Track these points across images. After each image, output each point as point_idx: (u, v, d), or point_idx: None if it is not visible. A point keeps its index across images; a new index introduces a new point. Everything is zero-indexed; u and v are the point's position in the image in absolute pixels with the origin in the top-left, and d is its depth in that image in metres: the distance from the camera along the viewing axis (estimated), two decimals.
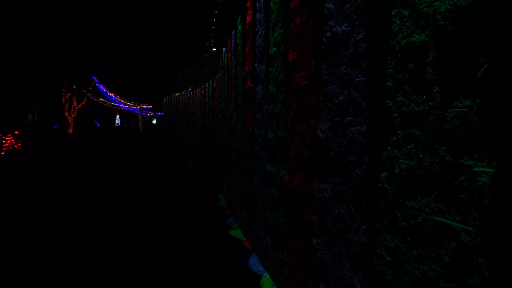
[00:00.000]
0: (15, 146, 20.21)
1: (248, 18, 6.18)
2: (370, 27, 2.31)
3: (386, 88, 2.13)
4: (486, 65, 1.43)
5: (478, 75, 1.47)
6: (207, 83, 16.16)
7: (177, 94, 23.90)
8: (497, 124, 1.38)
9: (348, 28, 2.57)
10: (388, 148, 2.10)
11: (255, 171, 5.73)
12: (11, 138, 20.02)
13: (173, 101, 25.66)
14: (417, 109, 1.85)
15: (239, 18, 7.32)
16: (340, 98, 2.69)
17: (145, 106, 39.88)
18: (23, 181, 12.96)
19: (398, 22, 2.02)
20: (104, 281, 4.52)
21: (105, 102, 36.87)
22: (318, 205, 3.09)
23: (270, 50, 4.74)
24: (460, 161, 1.56)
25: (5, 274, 4.74)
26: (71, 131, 32.49)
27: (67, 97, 32.86)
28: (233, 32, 8.25)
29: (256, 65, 5.65)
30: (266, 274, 4.80)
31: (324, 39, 2.97)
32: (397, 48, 2.03)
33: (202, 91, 17.03)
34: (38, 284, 4.48)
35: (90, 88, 34.37)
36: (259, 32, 5.41)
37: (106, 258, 5.30)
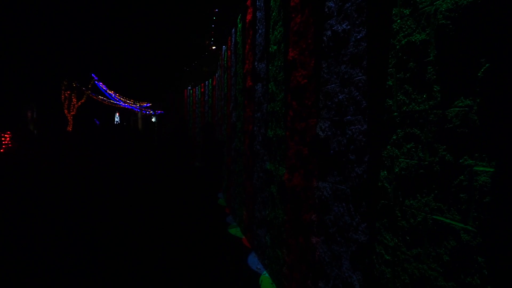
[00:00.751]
0: (15, 144, 20.20)
1: (248, 17, 6.17)
2: (370, 26, 2.31)
3: (386, 87, 2.13)
4: (487, 65, 1.43)
5: (479, 74, 1.47)
6: (206, 81, 16.14)
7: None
8: (498, 123, 1.38)
9: (348, 27, 2.57)
10: (388, 147, 2.10)
11: (255, 169, 5.73)
12: (10, 135, 20.01)
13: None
14: (417, 108, 1.85)
15: (239, 17, 7.31)
16: (340, 97, 2.69)
17: (145, 104, 39.81)
18: (20, 178, 12.95)
19: (399, 21, 2.02)
20: (103, 278, 4.52)
21: (105, 100, 36.81)
22: (318, 203, 3.09)
23: (270, 49, 4.73)
24: (460, 161, 1.56)
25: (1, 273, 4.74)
26: (70, 129, 32.44)
27: (66, 94, 32.80)
28: (233, 30, 8.24)
29: (256, 63, 5.64)
30: (265, 272, 4.81)
31: (325, 38, 2.96)
32: (397, 47, 2.02)
33: (202, 89, 17.00)
34: (36, 282, 4.48)
35: (89, 86, 34.30)
36: (259, 31, 5.40)
37: (104, 255, 5.30)
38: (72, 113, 33.50)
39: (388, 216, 2.08)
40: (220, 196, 9.88)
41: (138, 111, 42.67)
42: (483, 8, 1.45)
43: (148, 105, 39.45)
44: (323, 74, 2.98)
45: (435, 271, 1.68)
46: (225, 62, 9.90)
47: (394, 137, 2.04)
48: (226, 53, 9.81)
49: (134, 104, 39.59)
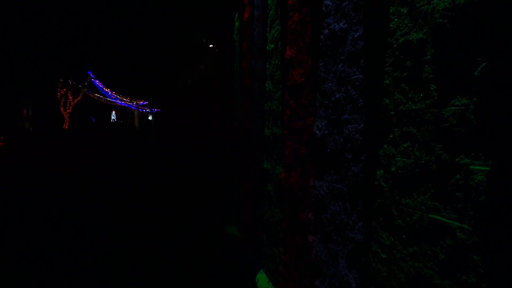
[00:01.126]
0: (7, 142, 20.11)
1: (246, 15, 6.15)
2: (368, 25, 2.31)
3: (383, 86, 2.13)
4: (483, 64, 1.43)
5: (475, 73, 1.47)
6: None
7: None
8: (494, 122, 1.39)
9: (346, 26, 2.57)
10: (385, 146, 2.10)
11: (252, 168, 5.73)
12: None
13: None
14: (414, 107, 1.85)
15: (236, 15, 7.29)
16: (337, 96, 2.69)
17: (141, 102, 39.64)
18: (13, 176, 12.88)
19: (396, 20, 2.02)
20: (101, 275, 4.51)
21: (101, 98, 36.64)
22: (314, 202, 3.09)
23: (267, 47, 4.73)
24: (457, 159, 1.56)
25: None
26: (66, 127, 32.27)
27: (62, 92, 32.61)
28: (231, 28, 8.21)
29: (253, 62, 5.63)
30: (261, 270, 4.81)
31: (322, 37, 2.96)
32: (395, 46, 2.02)
33: None
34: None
35: (86, 84, 34.12)
36: (257, 29, 5.39)
37: (101, 251, 5.28)
38: (68, 110, 33.31)
39: (385, 215, 2.09)
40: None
41: (135, 109, 42.49)
42: (480, 7, 1.45)
43: (145, 103, 39.28)
44: (320, 73, 2.98)
45: (431, 270, 1.69)
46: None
47: (391, 136, 2.04)
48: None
49: (130, 102, 39.40)
